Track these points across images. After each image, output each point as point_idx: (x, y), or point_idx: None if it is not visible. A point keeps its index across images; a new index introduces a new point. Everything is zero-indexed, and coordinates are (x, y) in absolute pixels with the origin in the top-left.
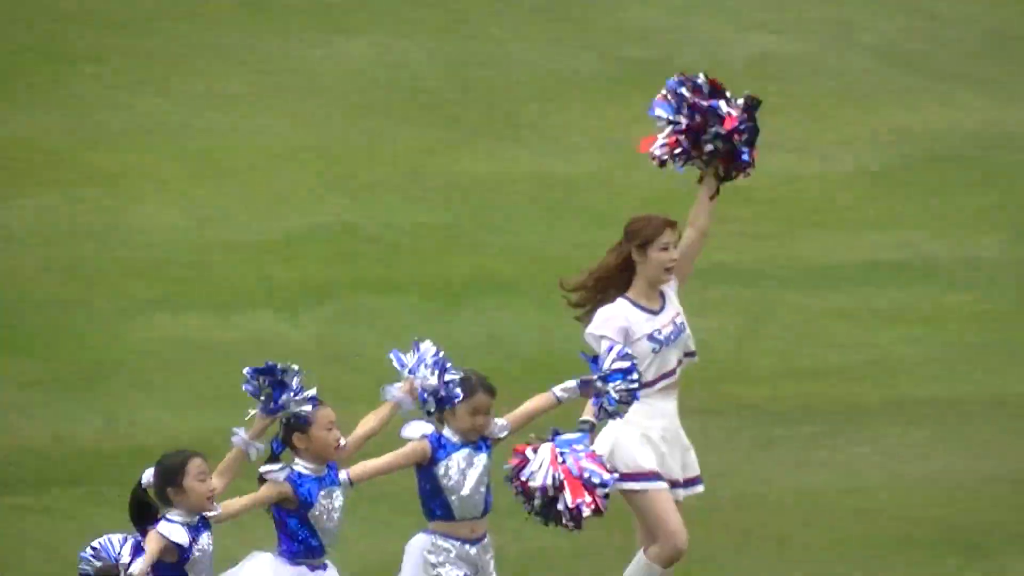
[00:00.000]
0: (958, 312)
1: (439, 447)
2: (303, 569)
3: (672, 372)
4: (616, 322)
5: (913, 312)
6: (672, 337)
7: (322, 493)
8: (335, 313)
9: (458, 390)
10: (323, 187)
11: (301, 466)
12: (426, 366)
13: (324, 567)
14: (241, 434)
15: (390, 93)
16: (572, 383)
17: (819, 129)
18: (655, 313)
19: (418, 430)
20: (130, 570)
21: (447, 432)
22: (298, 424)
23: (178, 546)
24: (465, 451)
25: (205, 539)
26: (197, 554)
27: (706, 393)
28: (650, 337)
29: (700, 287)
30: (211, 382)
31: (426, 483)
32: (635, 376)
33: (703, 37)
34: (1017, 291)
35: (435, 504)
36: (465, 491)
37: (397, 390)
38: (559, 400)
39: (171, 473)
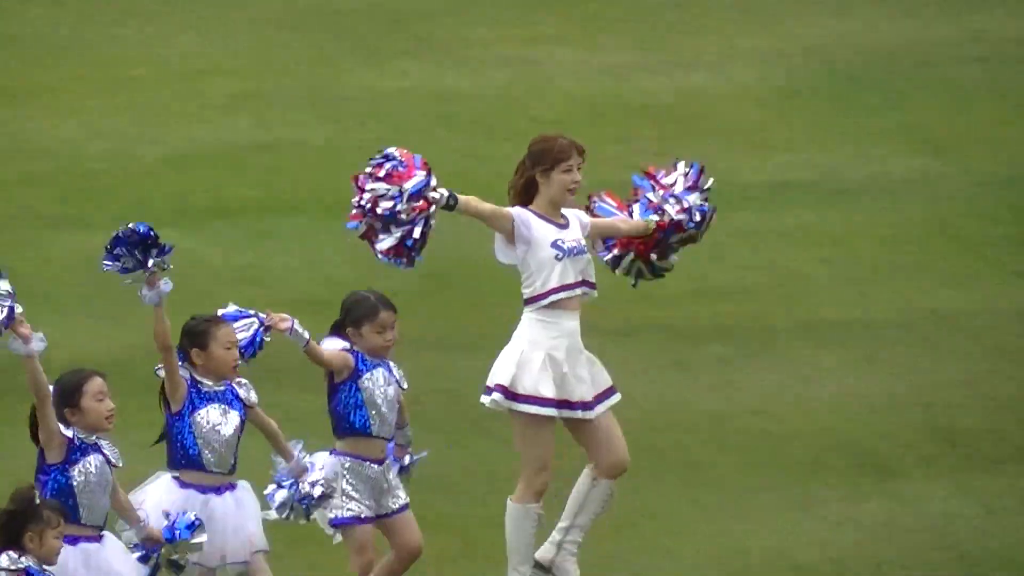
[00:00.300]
0: (868, 233)
1: (361, 362)
2: (191, 492)
3: (571, 286)
4: (527, 214)
5: (823, 233)
6: (574, 252)
7: (213, 406)
8: (242, 232)
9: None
10: (229, 103)
11: (204, 382)
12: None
13: (220, 489)
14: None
15: (296, 8)
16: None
17: (727, 49)
18: (561, 227)
19: (338, 343)
20: None
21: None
22: (198, 340)
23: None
24: (382, 369)
25: (93, 461)
26: (80, 478)
27: (619, 315)
28: (554, 244)
29: None
30: (114, 300)
31: (349, 397)
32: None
33: None
34: (926, 211)
35: (355, 418)
36: (384, 407)
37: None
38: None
39: (68, 393)
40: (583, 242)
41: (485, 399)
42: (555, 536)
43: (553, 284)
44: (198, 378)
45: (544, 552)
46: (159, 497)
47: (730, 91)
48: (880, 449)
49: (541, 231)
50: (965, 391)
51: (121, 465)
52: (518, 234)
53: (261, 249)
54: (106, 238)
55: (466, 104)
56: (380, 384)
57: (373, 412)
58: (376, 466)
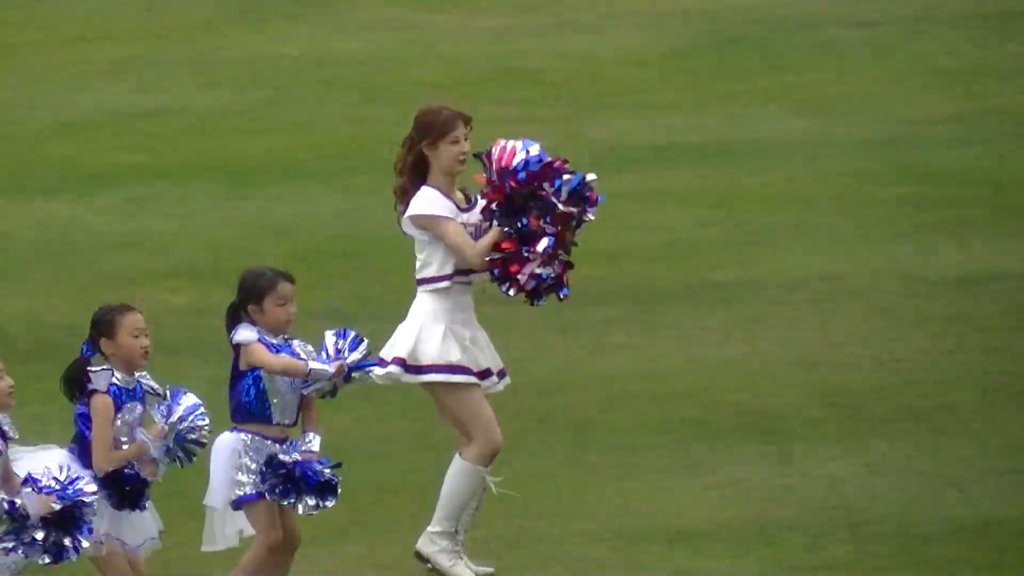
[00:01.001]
0: (752, 194)
1: (269, 347)
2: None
3: (470, 271)
4: (442, 201)
5: (707, 194)
6: (478, 232)
7: (126, 406)
8: (125, 197)
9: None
10: (109, 68)
11: (116, 376)
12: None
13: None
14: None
15: None
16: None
17: (609, 10)
18: (462, 210)
19: (247, 334)
20: None
21: (268, 337)
22: (104, 329)
23: None
24: (285, 353)
25: None
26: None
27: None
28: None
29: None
30: (4, 265)
31: (251, 386)
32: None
33: None
34: (809, 172)
35: (255, 407)
36: (289, 395)
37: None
38: (309, 372)
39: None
40: (485, 223)
41: (379, 371)
42: (447, 543)
43: (450, 270)
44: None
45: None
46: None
47: (613, 54)
48: (766, 410)
49: (443, 210)
50: (850, 352)
51: (16, 437)
52: None
53: (144, 215)
54: None
55: (349, 68)
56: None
57: (275, 400)
58: (278, 444)
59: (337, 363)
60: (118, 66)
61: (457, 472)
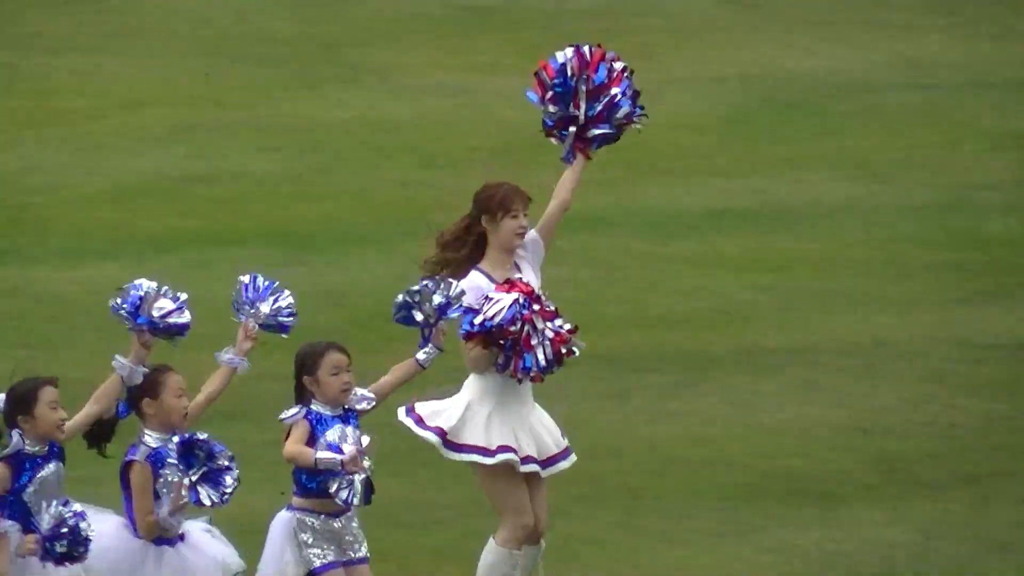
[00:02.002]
0: (806, 259)
1: (317, 423)
2: (146, 543)
3: None
4: (476, 293)
5: (762, 260)
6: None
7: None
8: (183, 263)
9: (291, 314)
10: (166, 133)
11: (149, 436)
12: (251, 301)
13: (173, 540)
14: (120, 359)
15: (234, 39)
16: (431, 347)
17: (664, 75)
18: (517, 268)
19: (289, 411)
20: None
21: (317, 406)
22: (149, 390)
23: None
24: (338, 425)
25: (51, 468)
26: (35, 486)
27: None
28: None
29: None
30: (60, 331)
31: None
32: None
33: None
34: (863, 237)
35: (311, 480)
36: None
37: (229, 352)
38: (422, 365)
39: (22, 400)
40: (537, 288)
41: (430, 439)
42: None
43: None
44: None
45: None
46: (107, 544)
47: (668, 118)
48: (819, 475)
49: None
50: (903, 417)
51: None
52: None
53: (200, 280)
54: (44, 270)
55: (404, 133)
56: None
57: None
58: (333, 520)
59: (351, 449)
60: (175, 131)
61: (488, 552)
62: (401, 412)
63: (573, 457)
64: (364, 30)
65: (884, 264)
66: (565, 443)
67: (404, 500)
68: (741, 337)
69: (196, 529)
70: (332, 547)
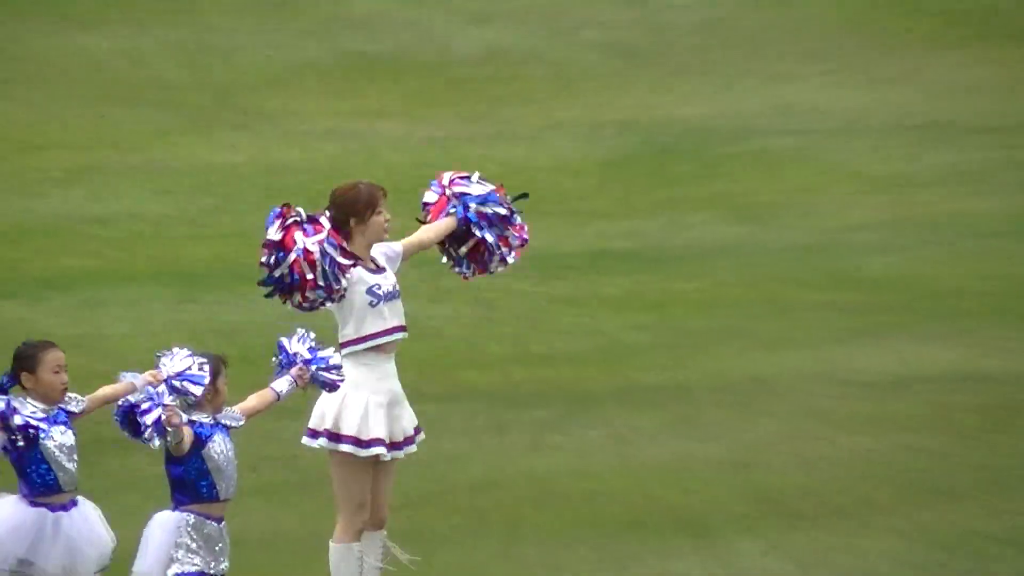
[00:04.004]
0: (683, 299)
1: (203, 430)
2: (43, 510)
3: (390, 331)
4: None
5: (640, 299)
6: (389, 296)
7: (54, 430)
8: (76, 301)
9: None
10: (63, 175)
11: (31, 405)
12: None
13: (67, 506)
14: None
15: (127, 84)
16: (285, 379)
17: (546, 121)
18: (375, 272)
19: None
20: None
21: (198, 416)
22: (26, 364)
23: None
24: (220, 434)
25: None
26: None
27: (441, 379)
28: (369, 290)
29: (433, 276)
30: None
31: (193, 467)
32: (334, 358)
33: (433, 31)
34: (740, 277)
35: (200, 485)
36: (229, 471)
37: (133, 376)
38: (279, 396)
39: (26, 357)
40: (397, 287)
41: (310, 442)
42: None
43: (370, 330)
44: (32, 405)
45: None
46: (6, 515)
47: (550, 163)
48: (696, 508)
49: (361, 276)
50: (778, 451)
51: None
52: None
53: (94, 318)
54: None
55: (294, 175)
56: (223, 449)
57: (220, 479)
58: (216, 524)
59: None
60: (71, 173)
61: (332, 553)
62: (308, 442)
63: (422, 436)
64: (256, 77)
65: (760, 303)
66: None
67: (287, 531)
68: (620, 374)
69: (87, 504)
70: (202, 555)
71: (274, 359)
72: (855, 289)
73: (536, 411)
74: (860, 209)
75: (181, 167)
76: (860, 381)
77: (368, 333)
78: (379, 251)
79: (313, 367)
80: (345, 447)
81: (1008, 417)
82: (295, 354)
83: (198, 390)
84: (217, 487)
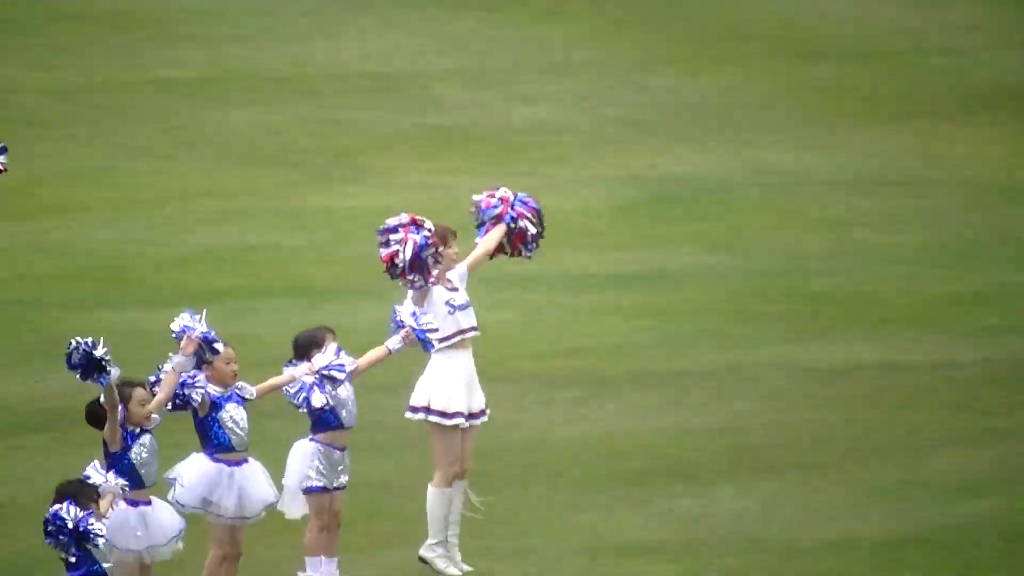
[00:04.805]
0: (678, 308)
1: (319, 385)
2: (221, 465)
3: (463, 332)
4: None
5: (646, 308)
6: (462, 307)
7: (228, 405)
8: (228, 311)
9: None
10: (217, 217)
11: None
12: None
13: (239, 463)
14: (175, 357)
15: (266, 148)
16: (396, 338)
17: (576, 176)
18: (451, 291)
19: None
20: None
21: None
22: (209, 355)
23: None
24: (333, 382)
25: (147, 440)
26: (143, 452)
27: (500, 366)
28: (447, 303)
29: (494, 291)
30: (142, 359)
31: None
32: (432, 323)
33: (495, 108)
34: (719, 292)
35: (330, 416)
36: (349, 407)
37: (293, 367)
38: (390, 351)
39: (121, 393)
40: (467, 299)
41: (412, 416)
42: (439, 550)
43: (448, 331)
44: (213, 387)
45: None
46: (194, 467)
47: (578, 207)
48: (690, 462)
49: (439, 295)
50: (750, 421)
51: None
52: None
53: (245, 323)
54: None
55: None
56: (348, 390)
57: (343, 411)
58: (339, 452)
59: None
60: (223, 215)
61: (429, 496)
62: (409, 416)
63: (487, 415)
64: (365, 143)
65: (735, 312)
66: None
67: (398, 474)
68: (632, 364)
69: (256, 464)
70: (326, 475)
71: (388, 324)
72: (807, 302)
73: (570, 391)
74: (809, 243)
75: (308, 211)
76: (811, 370)
77: (449, 334)
78: (453, 274)
79: (416, 326)
80: (435, 419)
81: (919, 397)
82: (402, 320)
83: (342, 375)
84: (340, 418)
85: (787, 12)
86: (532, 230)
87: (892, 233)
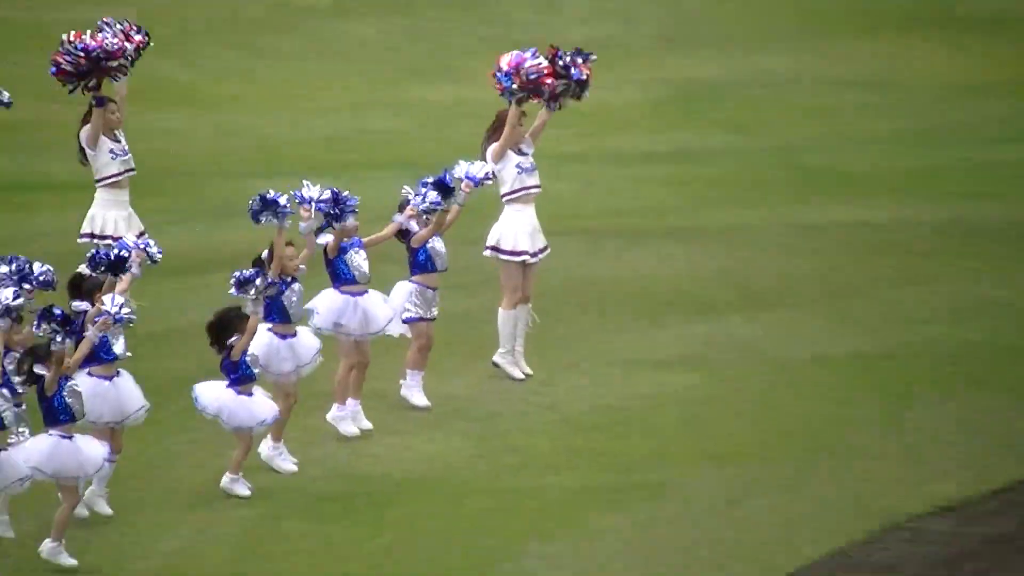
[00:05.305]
0: (701, 178)
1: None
2: (347, 296)
3: (527, 189)
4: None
5: (673, 178)
6: (528, 169)
7: (351, 250)
8: (349, 181)
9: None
10: (341, 108)
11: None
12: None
13: (362, 293)
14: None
15: (379, 55)
16: (461, 193)
17: (620, 78)
18: (521, 155)
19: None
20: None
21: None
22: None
23: None
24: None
25: (296, 286)
26: (292, 296)
27: (560, 223)
28: (517, 165)
29: (556, 165)
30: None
31: (423, 251)
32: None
33: (552, 26)
34: (736, 166)
35: (427, 262)
36: (443, 255)
37: (400, 216)
38: (460, 206)
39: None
40: (533, 162)
41: (486, 254)
42: (508, 357)
43: (515, 187)
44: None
45: (501, 359)
46: (328, 298)
47: (622, 103)
48: (707, 296)
49: (511, 159)
50: (754, 265)
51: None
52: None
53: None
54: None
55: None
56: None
57: (436, 258)
58: (432, 291)
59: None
60: (344, 105)
61: (500, 316)
62: (486, 252)
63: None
64: (453, 51)
65: (743, 182)
66: (544, 242)
67: (483, 320)
68: (662, 221)
69: (376, 293)
70: (422, 309)
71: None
72: (800, 174)
73: (613, 242)
74: (803, 128)
75: (410, 102)
76: (802, 226)
77: (515, 188)
78: (526, 143)
79: (473, 175)
80: (504, 257)
81: (886, 248)
82: (460, 177)
83: (436, 208)
84: (435, 264)
85: None
86: (560, 87)
87: (871, 120)
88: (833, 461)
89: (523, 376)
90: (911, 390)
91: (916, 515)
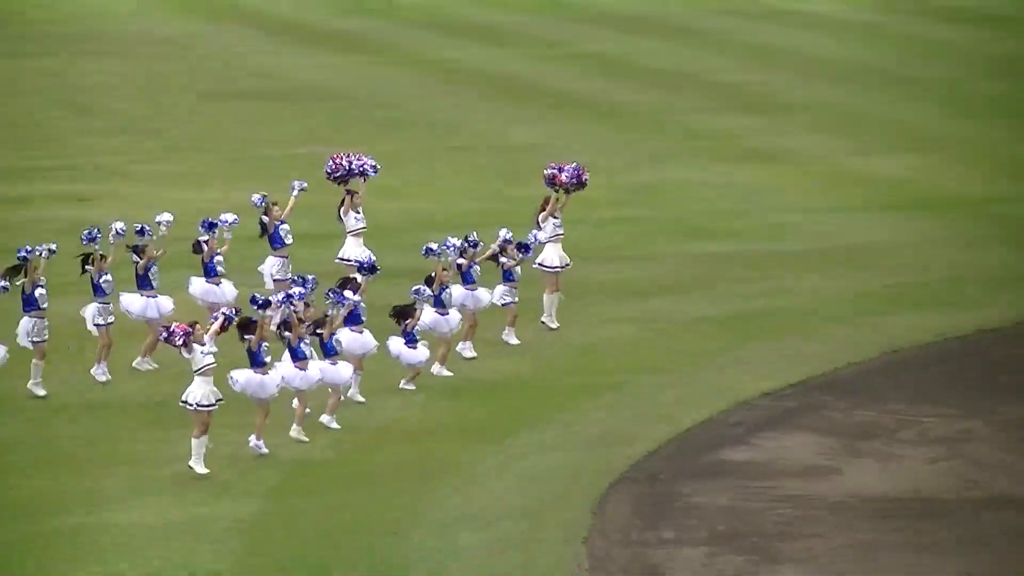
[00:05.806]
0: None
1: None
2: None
3: (559, 235)
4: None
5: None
6: (558, 224)
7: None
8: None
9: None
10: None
11: None
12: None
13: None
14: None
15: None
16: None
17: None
18: (555, 218)
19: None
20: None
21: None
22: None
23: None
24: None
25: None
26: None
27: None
28: (554, 226)
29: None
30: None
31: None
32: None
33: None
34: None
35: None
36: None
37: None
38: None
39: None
40: (560, 221)
41: (534, 266)
42: (550, 323)
43: (550, 233)
44: None
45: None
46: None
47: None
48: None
49: (547, 226)
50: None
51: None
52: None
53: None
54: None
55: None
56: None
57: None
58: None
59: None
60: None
61: (544, 298)
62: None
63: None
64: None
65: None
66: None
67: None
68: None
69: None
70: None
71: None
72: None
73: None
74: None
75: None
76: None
77: (550, 234)
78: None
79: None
80: (545, 268)
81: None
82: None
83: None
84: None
85: None
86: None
87: None
88: None
89: (556, 326)
90: None
91: None
